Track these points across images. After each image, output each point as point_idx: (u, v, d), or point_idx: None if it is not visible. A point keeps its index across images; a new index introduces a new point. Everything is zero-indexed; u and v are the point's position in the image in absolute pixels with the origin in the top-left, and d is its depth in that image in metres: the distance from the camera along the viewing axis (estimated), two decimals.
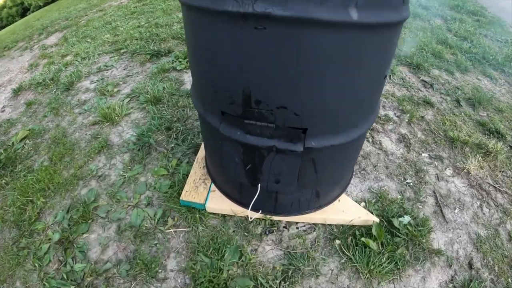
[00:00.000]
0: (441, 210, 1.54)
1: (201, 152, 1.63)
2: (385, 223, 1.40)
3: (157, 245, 1.32)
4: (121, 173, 1.69)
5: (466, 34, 3.74)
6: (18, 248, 1.49)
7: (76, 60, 3.43)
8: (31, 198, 1.68)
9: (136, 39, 3.51)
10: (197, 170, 1.51)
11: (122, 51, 3.31)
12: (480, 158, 1.91)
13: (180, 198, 1.40)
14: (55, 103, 2.64)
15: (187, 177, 1.50)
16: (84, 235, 1.42)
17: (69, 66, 3.37)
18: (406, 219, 1.38)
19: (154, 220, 1.41)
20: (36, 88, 3.12)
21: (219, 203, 1.36)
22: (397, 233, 1.34)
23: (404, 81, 2.55)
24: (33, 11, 11.56)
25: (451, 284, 1.32)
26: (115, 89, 2.58)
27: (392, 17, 0.70)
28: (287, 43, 0.67)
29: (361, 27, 0.66)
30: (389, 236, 1.34)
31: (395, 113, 2.14)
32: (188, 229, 1.37)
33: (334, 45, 0.68)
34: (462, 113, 2.31)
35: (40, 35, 5.10)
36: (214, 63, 0.81)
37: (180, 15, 4.05)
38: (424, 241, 1.36)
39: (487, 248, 1.49)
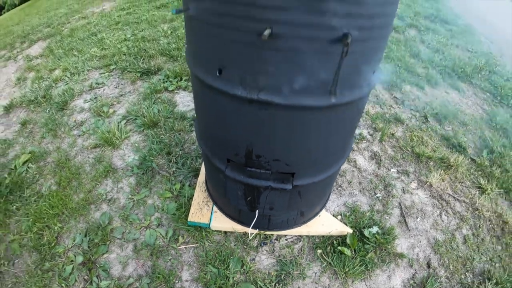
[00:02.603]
0: (405, 220, 1.94)
1: (201, 176, 1.97)
2: (357, 233, 1.79)
3: (171, 260, 1.67)
4: (130, 196, 2.01)
5: (438, 46, 4.21)
6: (42, 270, 1.75)
7: (66, 76, 3.64)
8: (47, 224, 1.96)
9: (124, 54, 3.76)
10: (200, 193, 1.85)
11: (111, 67, 3.56)
12: (442, 171, 2.33)
13: (188, 220, 1.74)
14: (52, 124, 2.88)
15: (191, 200, 1.85)
16: (105, 255, 1.74)
17: (59, 82, 3.58)
18: (374, 229, 1.77)
19: (166, 238, 1.75)
20: (28, 105, 3.32)
21: (221, 222, 1.72)
22: (367, 241, 1.74)
23: (378, 99, 2.96)
24: (8, 10, 11.42)
25: (412, 281, 1.73)
26: (111, 110, 2.86)
27: (359, 94, 1.04)
28: (282, 118, 1.01)
29: (336, 105, 1.00)
30: (360, 243, 1.73)
31: (368, 132, 2.55)
32: (197, 245, 1.72)
33: (316, 119, 1.03)
34: (429, 129, 2.74)
35: (22, 43, 5.19)
36: (223, 126, 1.16)
37: (165, 27, 4.32)
38: (389, 247, 1.76)
39: (443, 250, 1.90)
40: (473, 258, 1.90)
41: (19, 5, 11.12)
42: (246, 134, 1.09)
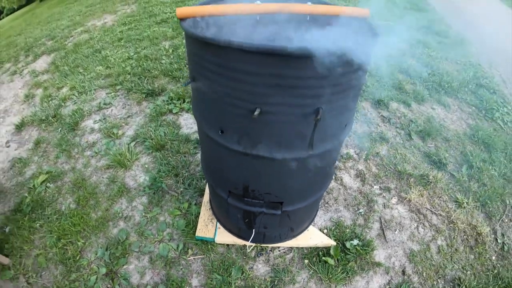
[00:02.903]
0: (383, 233, 2.32)
1: (206, 196, 2.35)
2: (340, 244, 2.17)
3: (183, 269, 2.05)
4: (143, 214, 2.39)
5: (428, 60, 4.59)
6: (69, 281, 2.11)
7: (74, 95, 4.01)
8: (70, 240, 2.32)
9: (129, 74, 4.15)
10: (205, 212, 2.23)
11: (117, 87, 3.95)
12: (421, 187, 2.71)
13: (196, 235, 2.13)
14: (65, 145, 3.24)
15: (198, 217, 2.23)
16: (124, 266, 2.12)
17: (67, 101, 3.96)
18: (355, 241, 2.15)
19: (177, 251, 2.13)
20: (40, 124, 3.68)
21: (224, 237, 2.10)
22: (348, 252, 2.12)
23: (365, 117, 3.34)
24: (7, 14, 11.92)
25: (388, 286, 2.10)
26: (120, 132, 3.24)
27: (333, 144, 1.42)
28: (271, 166, 1.39)
29: (314, 155, 1.38)
30: (343, 254, 2.11)
31: (355, 151, 2.93)
32: (203, 256, 2.10)
33: (298, 165, 1.40)
34: (412, 146, 3.11)
35: (26, 56, 5.56)
36: (224, 168, 1.54)
37: (167, 45, 4.71)
38: (368, 257, 2.14)
39: (418, 259, 2.26)
40: (446, 266, 2.27)
41: (17, 9, 11.58)
42: (243, 175, 1.47)
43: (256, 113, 1.13)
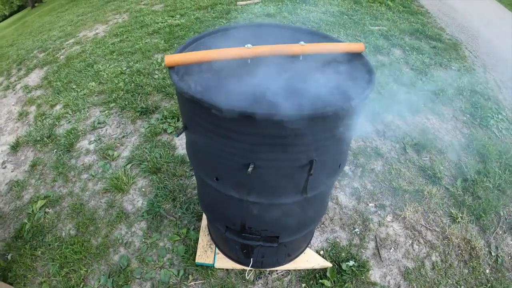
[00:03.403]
0: (379, 252, 2.46)
1: (204, 221, 2.48)
2: (336, 266, 2.30)
3: None
4: (143, 240, 2.51)
5: (422, 67, 4.72)
6: None
7: (67, 113, 4.11)
8: (73, 268, 2.44)
9: (122, 90, 4.26)
10: (203, 237, 2.36)
11: (111, 105, 4.06)
12: (416, 204, 2.84)
13: (196, 261, 2.26)
14: (62, 168, 3.35)
15: (197, 243, 2.36)
16: None
17: (61, 120, 4.06)
18: (351, 263, 2.29)
19: (178, 277, 2.26)
20: (35, 145, 3.78)
21: (223, 262, 2.23)
22: (344, 273, 2.25)
23: (360, 132, 3.46)
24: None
25: None
26: (115, 153, 3.35)
27: (326, 186, 1.56)
28: (267, 209, 1.52)
29: (308, 198, 1.50)
30: (339, 275, 2.25)
31: (350, 168, 3.06)
32: (204, 281, 2.24)
33: (293, 207, 1.54)
34: (407, 160, 3.25)
35: (19, 70, 5.66)
36: (221, 208, 1.67)
37: (159, 58, 4.82)
38: (363, 277, 2.28)
39: (413, 277, 2.39)
40: (440, 282, 2.40)
41: (9, 16, 11.72)
42: (239, 216, 1.60)
43: (250, 169, 1.24)
